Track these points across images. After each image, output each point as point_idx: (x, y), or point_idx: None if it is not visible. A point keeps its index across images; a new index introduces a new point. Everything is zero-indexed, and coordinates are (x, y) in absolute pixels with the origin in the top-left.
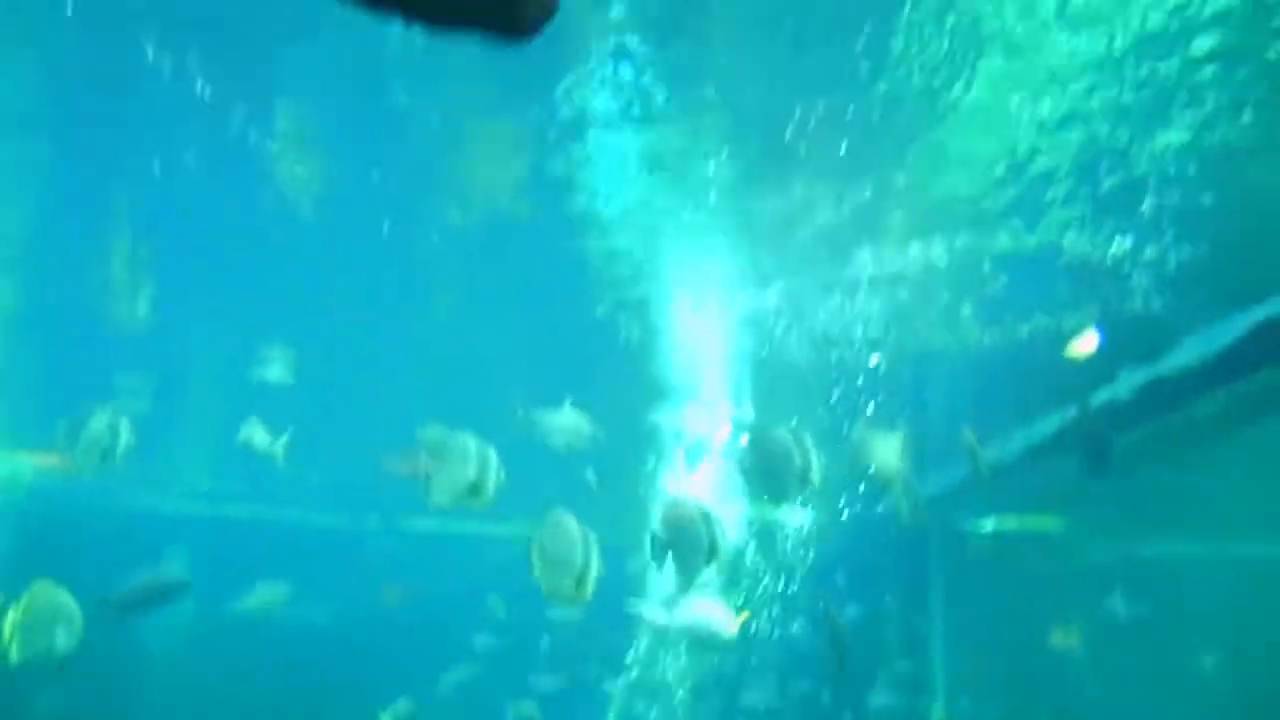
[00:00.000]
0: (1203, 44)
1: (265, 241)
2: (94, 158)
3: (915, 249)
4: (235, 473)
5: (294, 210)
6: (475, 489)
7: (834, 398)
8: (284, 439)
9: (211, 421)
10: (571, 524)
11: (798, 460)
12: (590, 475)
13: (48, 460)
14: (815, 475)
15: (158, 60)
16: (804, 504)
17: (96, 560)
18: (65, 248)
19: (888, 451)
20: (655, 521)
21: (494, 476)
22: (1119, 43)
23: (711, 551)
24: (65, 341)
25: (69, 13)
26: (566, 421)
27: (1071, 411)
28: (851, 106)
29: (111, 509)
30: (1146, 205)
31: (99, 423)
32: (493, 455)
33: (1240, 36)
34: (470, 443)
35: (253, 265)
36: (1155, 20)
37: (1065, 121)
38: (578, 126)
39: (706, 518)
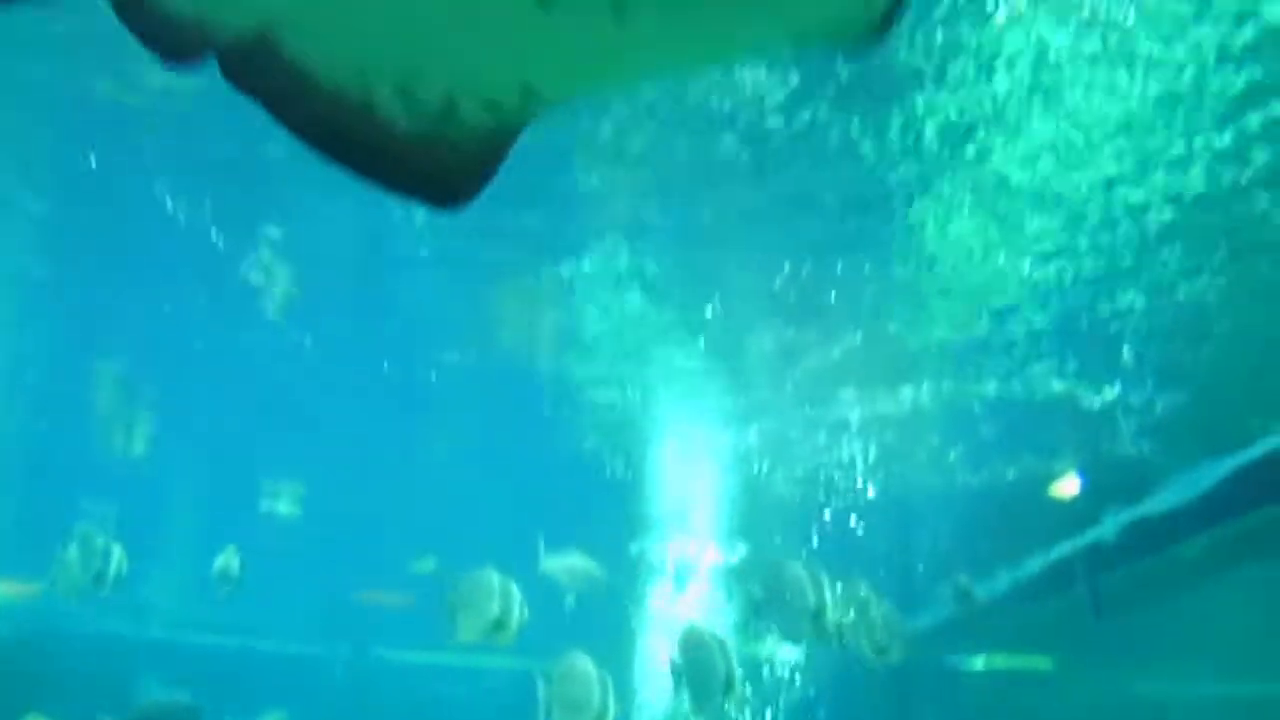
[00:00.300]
0: (1161, 216)
1: (263, 376)
2: (96, 289)
3: (901, 392)
4: (211, 601)
5: (294, 347)
6: (499, 625)
7: (819, 534)
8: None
9: (187, 549)
10: (588, 666)
11: (812, 597)
12: (569, 600)
13: (19, 588)
14: (831, 613)
15: (175, 209)
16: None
17: (69, 689)
18: (56, 377)
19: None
20: (674, 651)
21: (518, 613)
22: (1089, 217)
23: (728, 683)
24: (48, 469)
25: (93, 165)
26: (576, 566)
27: (1069, 550)
28: (840, 262)
29: (85, 636)
30: (1126, 354)
31: (92, 547)
32: (516, 592)
33: (1199, 214)
34: (494, 579)
35: (249, 398)
36: (1120, 197)
37: (1044, 277)
38: (572, 276)
39: (723, 648)
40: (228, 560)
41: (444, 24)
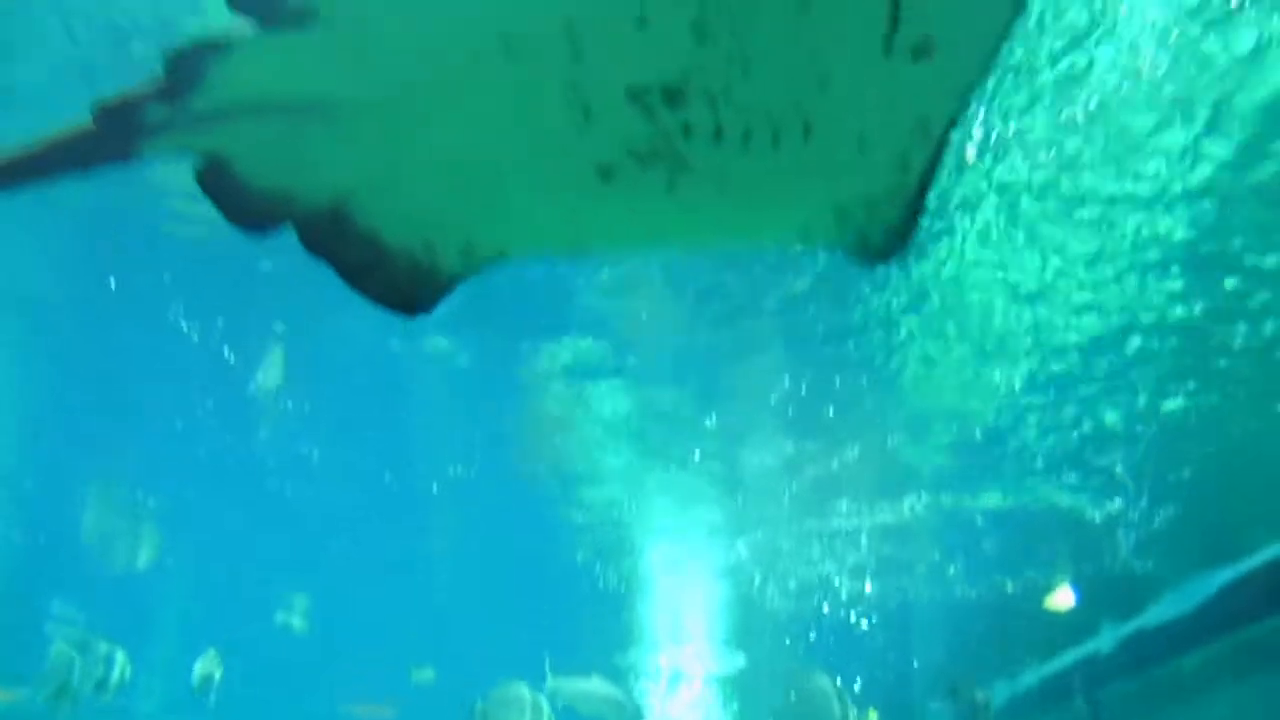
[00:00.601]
0: (1133, 343)
1: (263, 489)
2: (100, 397)
3: (899, 504)
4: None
5: (298, 460)
6: None
7: (814, 644)
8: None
9: (177, 656)
10: None
11: (838, 711)
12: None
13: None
14: None
15: (189, 330)
16: None
17: None
18: (51, 485)
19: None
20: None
21: None
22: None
23: None
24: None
25: (112, 287)
26: (596, 691)
27: (1068, 662)
28: (838, 378)
29: None
30: (1120, 469)
31: (94, 653)
32: (545, 706)
33: (1170, 339)
34: (525, 692)
35: (250, 510)
36: (1091, 325)
37: (1036, 393)
38: (568, 388)
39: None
40: (208, 665)
41: (510, 193)
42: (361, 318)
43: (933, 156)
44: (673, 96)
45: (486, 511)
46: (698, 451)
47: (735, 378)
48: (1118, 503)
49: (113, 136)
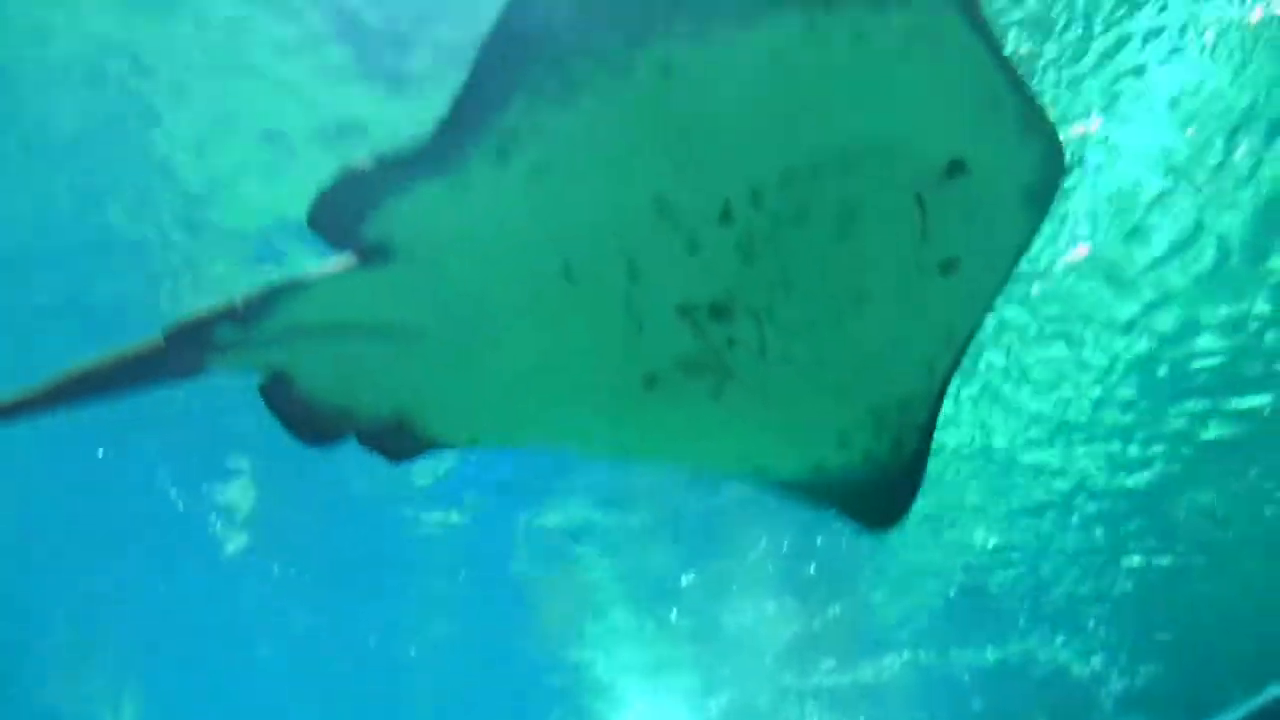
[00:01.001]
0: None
1: (249, 649)
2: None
3: (876, 661)
4: None
5: (280, 622)
6: None
7: None
8: None
9: None
10: None
11: None
12: None
13: None
14: None
15: (177, 497)
16: None
17: None
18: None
19: None
20: None
21: None
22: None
23: None
24: None
25: (99, 455)
26: None
27: None
28: (820, 538)
29: None
30: (1095, 625)
31: None
32: None
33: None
34: None
35: (235, 671)
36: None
37: (1004, 557)
38: (546, 549)
39: None
40: None
41: (560, 402)
42: (346, 490)
43: (954, 362)
44: (719, 312)
45: (465, 673)
46: (674, 610)
47: (715, 535)
48: (1098, 661)
49: (182, 355)
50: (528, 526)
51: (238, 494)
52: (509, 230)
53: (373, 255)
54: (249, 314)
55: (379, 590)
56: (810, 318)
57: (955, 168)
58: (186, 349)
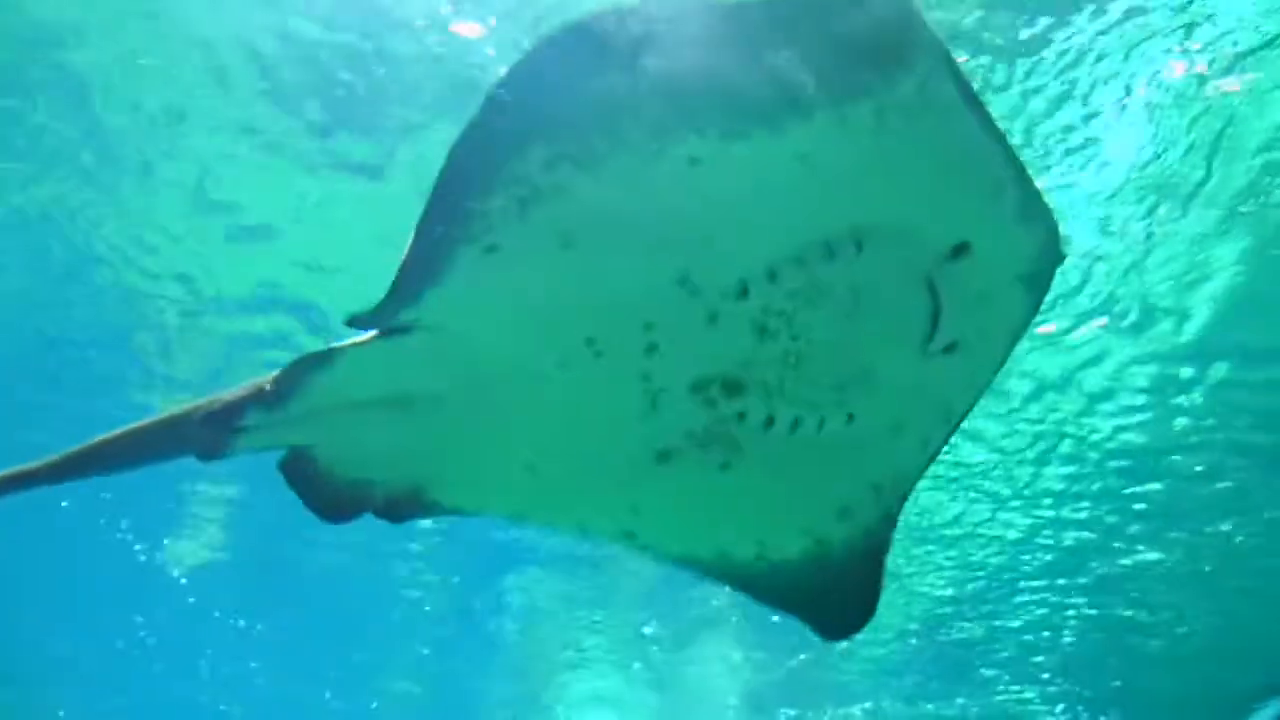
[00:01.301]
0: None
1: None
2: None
3: (846, 709)
4: None
5: (243, 677)
6: None
7: None
8: None
9: None
10: None
11: None
12: None
13: None
14: None
15: (144, 552)
16: None
17: None
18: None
19: None
20: None
21: None
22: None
23: None
24: None
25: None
26: None
27: None
28: None
29: None
30: (1050, 675)
31: None
32: None
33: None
34: None
35: None
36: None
37: (965, 604)
38: (509, 604)
39: None
40: None
41: (571, 471)
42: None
43: (945, 440)
44: (732, 387)
45: None
46: (637, 663)
47: (676, 582)
48: (1060, 709)
49: (206, 436)
50: (491, 583)
51: (199, 547)
52: (536, 301)
53: (399, 330)
54: (277, 395)
55: (340, 644)
56: (818, 393)
57: (959, 250)
58: (211, 431)
